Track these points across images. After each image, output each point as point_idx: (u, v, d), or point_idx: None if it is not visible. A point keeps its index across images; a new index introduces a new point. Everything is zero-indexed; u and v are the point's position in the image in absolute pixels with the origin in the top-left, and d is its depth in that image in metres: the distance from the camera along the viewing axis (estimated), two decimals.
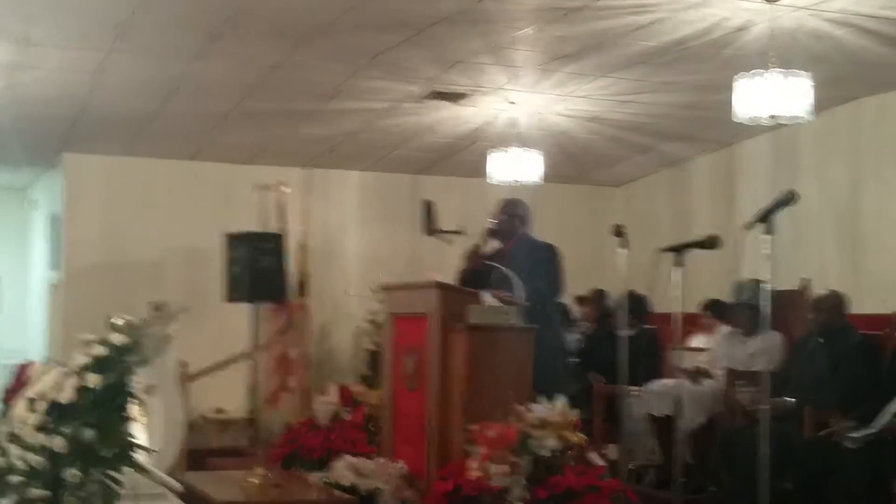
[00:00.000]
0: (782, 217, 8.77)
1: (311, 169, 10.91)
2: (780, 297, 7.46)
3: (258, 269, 9.88)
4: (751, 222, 4.77)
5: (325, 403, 7.00)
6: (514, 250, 7.10)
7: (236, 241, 10.04)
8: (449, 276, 7.33)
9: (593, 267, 9.50)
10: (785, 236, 8.99)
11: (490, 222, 7.26)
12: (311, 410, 7.39)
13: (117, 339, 4.19)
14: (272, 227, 10.52)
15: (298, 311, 9.69)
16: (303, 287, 10.43)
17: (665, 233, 5.75)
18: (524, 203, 7.39)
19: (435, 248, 11.16)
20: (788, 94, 6.33)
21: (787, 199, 4.79)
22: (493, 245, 7.26)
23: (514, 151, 8.79)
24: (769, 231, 4.68)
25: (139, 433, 4.34)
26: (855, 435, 5.98)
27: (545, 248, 7.15)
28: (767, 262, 4.70)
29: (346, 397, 7.02)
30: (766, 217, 4.71)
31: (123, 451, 4.02)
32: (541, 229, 7.44)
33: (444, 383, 6.07)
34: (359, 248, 11.08)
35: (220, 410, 10.30)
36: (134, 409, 4.22)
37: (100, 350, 4.14)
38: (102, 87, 7.99)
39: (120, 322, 4.28)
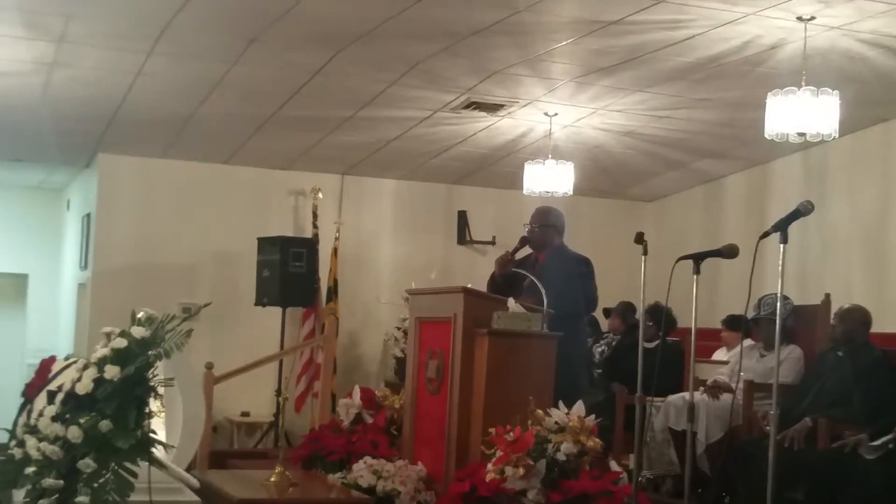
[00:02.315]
0: (810, 234, 8.81)
1: (346, 176, 10.95)
2: (802, 312, 7.48)
3: (289, 273, 9.98)
4: (767, 232, 4.75)
5: (348, 406, 7.00)
6: (549, 261, 7.08)
7: (268, 245, 10.14)
8: (481, 284, 7.35)
9: (623, 280, 9.47)
10: (813, 253, 9.01)
11: (525, 230, 7.24)
12: (335, 414, 7.38)
13: (138, 332, 4.22)
14: (305, 233, 10.60)
15: (328, 317, 9.71)
16: (333, 293, 10.48)
17: (695, 248, 5.72)
18: (560, 212, 7.37)
19: (468, 258, 11.28)
20: (817, 113, 6.34)
21: (804, 210, 4.75)
22: (525, 252, 7.24)
23: (549, 164, 8.79)
24: (783, 240, 4.65)
25: (158, 427, 4.36)
26: (874, 444, 5.94)
27: (581, 261, 7.14)
28: (781, 273, 4.64)
29: (370, 400, 7.01)
30: (781, 227, 4.68)
31: (140, 443, 4.03)
32: (572, 242, 7.43)
33: (465, 387, 6.07)
34: (391, 257, 11.10)
35: (245, 414, 10.34)
36: (153, 404, 4.24)
37: (120, 342, 4.17)
38: (140, 88, 8.05)
39: (142, 316, 4.31)
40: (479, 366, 6.07)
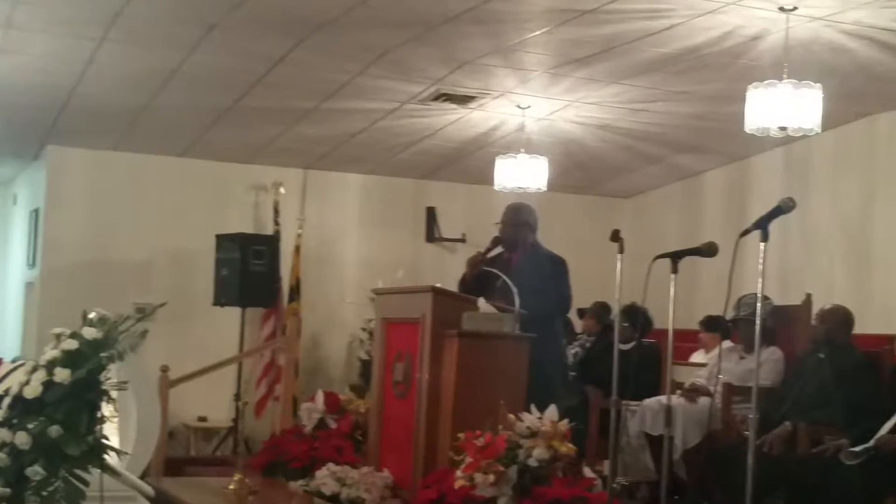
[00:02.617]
0: (792, 232, 8.87)
1: (309, 170, 10.94)
2: (782, 313, 7.54)
3: (249, 272, 9.96)
4: (747, 230, 4.77)
5: (311, 411, 6.99)
6: (522, 261, 7.08)
7: (227, 242, 10.10)
8: (451, 284, 7.35)
9: (598, 280, 9.50)
10: (794, 251, 9.07)
11: (497, 230, 7.25)
12: (297, 418, 7.38)
13: (90, 333, 4.18)
14: (266, 230, 10.57)
15: (290, 318, 9.69)
16: (296, 293, 10.46)
17: (673, 247, 5.74)
18: (533, 209, 7.37)
19: (437, 256, 11.28)
20: (799, 106, 6.37)
21: (785, 207, 4.78)
22: (497, 252, 7.25)
23: (522, 159, 8.80)
24: (764, 238, 4.68)
25: (110, 433, 4.33)
26: (855, 450, 5.99)
27: (555, 260, 7.14)
28: (762, 273, 4.68)
29: (334, 404, 7.00)
30: (762, 225, 4.70)
31: (92, 450, 4.00)
32: (546, 240, 7.43)
33: (433, 391, 6.07)
34: (357, 255, 11.11)
35: (202, 419, 10.30)
36: (106, 408, 4.21)
37: (71, 344, 4.13)
38: (91, 76, 7.99)
39: (94, 316, 4.27)
40: (448, 369, 6.07)
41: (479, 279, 7.01)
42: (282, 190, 10.58)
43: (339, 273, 11.03)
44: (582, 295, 8.07)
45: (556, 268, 7.09)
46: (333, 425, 6.91)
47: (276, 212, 10.54)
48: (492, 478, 5.38)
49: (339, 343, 10.95)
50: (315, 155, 10.47)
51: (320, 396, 7.08)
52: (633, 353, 7.48)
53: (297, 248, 10.56)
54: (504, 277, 6.59)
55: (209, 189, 10.62)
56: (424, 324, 6.18)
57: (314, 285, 10.77)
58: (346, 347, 10.94)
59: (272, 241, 10.28)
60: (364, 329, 10.40)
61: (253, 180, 10.74)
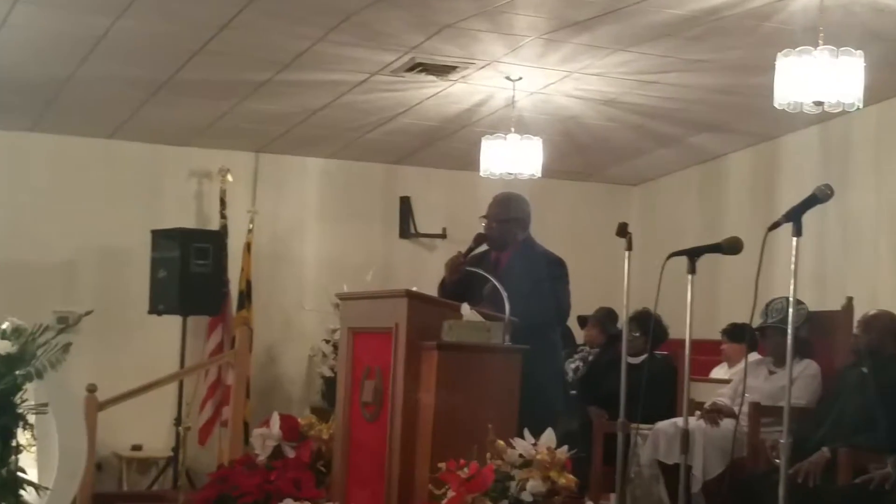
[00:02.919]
0: (830, 225, 8.89)
1: (262, 154, 10.95)
2: (819, 319, 7.57)
3: (191, 274, 9.94)
4: (777, 222, 4.79)
5: (265, 437, 6.98)
6: (512, 261, 7.10)
7: (165, 239, 10.09)
8: (430, 287, 7.36)
9: (602, 282, 9.55)
10: (832, 248, 9.10)
11: (482, 225, 7.25)
12: (248, 446, 7.38)
13: (2, 346, 4.18)
14: (211, 224, 10.56)
15: (239, 328, 9.68)
16: (246, 298, 10.45)
17: (690, 243, 5.78)
18: (524, 200, 7.37)
19: (413, 255, 11.29)
20: (837, 78, 6.37)
21: (821, 196, 4.80)
22: (482, 250, 7.26)
23: (513, 139, 8.81)
24: (797, 233, 4.69)
25: (28, 464, 4.32)
26: None
27: (552, 261, 7.15)
28: (794, 273, 4.70)
29: (291, 429, 7.00)
30: (794, 216, 4.72)
31: (6, 484, 4.00)
32: (541, 236, 7.44)
33: (409, 413, 6.09)
34: (319, 253, 11.14)
35: (136, 447, 10.28)
36: (21, 435, 4.21)
37: None
38: (2, 43, 7.96)
39: (7, 326, 4.27)
40: (426, 386, 6.09)
41: (461, 285, 7.01)
42: (229, 177, 10.58)
43: (297, 275, 11.04)
44: (583, 300, 8.09)
45: (554, 269, 7.10)
46: (291, 454, 6.91)
47: (223, 203, 10.54)
48: None
49: (298, 357, 10.97)
50: (268, 136, 10.46)
51: (276, 420, 7.07)
52: (643, 368, 7.51)
53: (248, 246, 10.57)
54: (493, 280, 6.61)
55: (143, 176, 10.61)
56: (398, 334, 6.19)
57: (268, 289, 10.79)
58: (305, 362, 10.96)
59: (218, 238, 10.27)
60: (327, 341, 10.43)
61: (195, 166, 10.74)
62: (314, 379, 10.82)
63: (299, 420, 7.21)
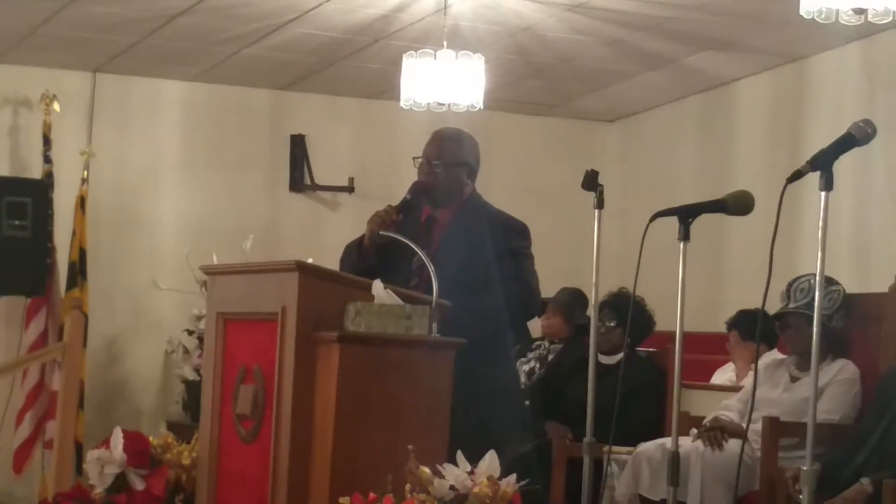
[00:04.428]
0: (874, 176, 8.96)
1: (100, 74, 10.95)
2: (860, 305, 7.60)
3: (3, 239, 9.88)
4: (799, 171, 4.80)
5: (104, 462, 6.96)
6: (456, 226, 7.03)
7: None
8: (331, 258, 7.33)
9: (567, 252, 9.58)
10: (875, 209, 9.17)
11: (418, 168, 7.17)
12: (81, 476, 7.36)
13: None
14: (30, 171, 10.49)
15: (70, 313, 9.62)
16: (80, 273, 10.41)
17: (685, 199, 5.78)
18: (474, 141, 7.32)
19: (308, 214, 11.26)
20: None
21: (860, 136, 4.82)
22: (409, 208, 7.19)
23: (445, 58, 8.80)
24: (826, 187, 4.71)
25: None
26: None
27: (514, 230, 7.05)
28: (821, 241, 4.73)
29: (140, 452, 6.98)
30: (823, 164, 4.73)
31: None
32: (484, 190, 7.40)
33: (301, 430, 6.05)
34: (178, 212, 11.20)
35: None
36: None
37: None
38: None
39: None
40: (324, 394, 6.07)
41: (382, 253, 6.96)
42: (55, 106, 10.50)
43: (149, 242, 11.10)
44: (542, 279, 8.07)
45: (516, 240, 7.05)
46: (140, 486, 6.89)
47: (47, 142, 10.46)
48: None
49: (151, 354, 11.03)
50: (109, 51, 10.44)
51: (119, 440, 7.05)
52: (620, 370, 7.53)
53: (82, 202, 10.55)
54: (419, 251, 6.57)
55: None
56: (285, 321, 6.17)
57: (110, 261, 10.82)
58: (160, 361, 11.02)
59: (40, 190, 10.22)
60: (190, 332, 10.48)
61: (7, 90, 10.67)
62: (172, 384, 10.87)
63: (151, 439, 7.19)
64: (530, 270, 7.01)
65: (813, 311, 4.96)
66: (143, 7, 9.40)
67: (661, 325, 8.49)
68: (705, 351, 8.83)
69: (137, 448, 7.07)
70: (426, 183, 7.04)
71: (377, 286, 6.21)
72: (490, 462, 5.70)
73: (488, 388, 6.69)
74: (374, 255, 6.91)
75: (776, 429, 7.22)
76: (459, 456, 5.74)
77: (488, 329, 6.67)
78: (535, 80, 10.65)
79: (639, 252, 5.43)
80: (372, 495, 5.63)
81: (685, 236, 5.45)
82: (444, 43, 8.88)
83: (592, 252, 5.93)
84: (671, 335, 5.94)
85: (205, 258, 8.80)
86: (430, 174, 7.05)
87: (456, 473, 5.65)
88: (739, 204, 5.49)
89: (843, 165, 4.97)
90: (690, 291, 5.44)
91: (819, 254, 4.85)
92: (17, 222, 9.96)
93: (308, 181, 11.42)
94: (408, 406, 6.09)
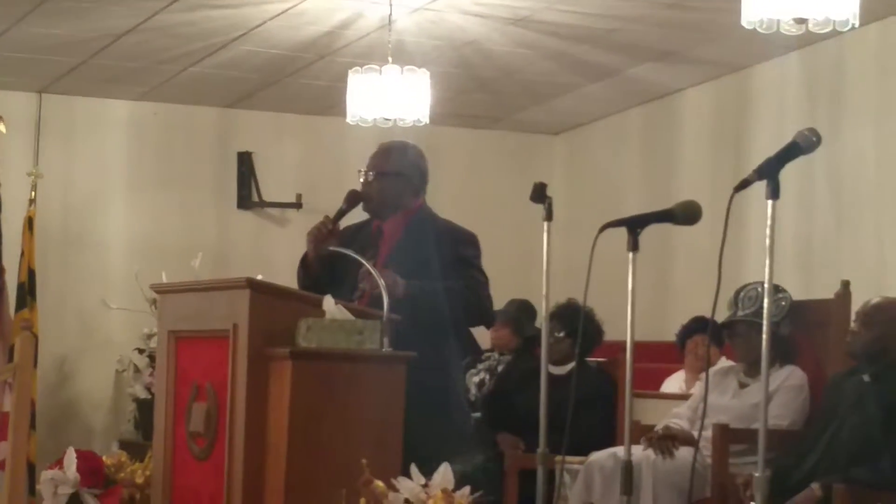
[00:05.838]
0: (817, 183, 8.98)
1: (46, 95, 10.95)
2: (806, 312, 7.63)
3: None
4: (746, 180, 4.83)
5: (57, 483, 6.94)
6: (407, 237, 7.04)
7: None
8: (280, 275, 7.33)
9: (514, 264, 9.59)
10: (820, 215, 9.20)
11: (360, 179, 7.17)
12: (34, 497, 7.33)
13: None
14: None
15: (20, 334, 9.57)
16: (28, 293, 10.36)
17: (632, 210, 5.80)
18: (423, 156, 7.28)
19: (256, 231, 11.24)
20: None
21: (805, 145, 4.85)
22: (363, 221, 7.20)
23: (390, 73, 8.80)
24: (773, 195, 4.74)
25: None
26: None
27: (463, 241, 7.08)
28: (769, 249, 4.76)
29: (93, 472, 6.97)
30: (769, 172, 4.76)
31: None
32: (432, 202, 7.41)
33: (253, 447, 6.08)
34: (127, 231, 11.20)
35: None
36: None
37: None
38: None
39: None
40: (277, 410, 6.09)
41: (328, 265, 6.97)
42: (1, 128, 10.44)
43: (99, 261, 11.08)
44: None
45: (466, 250, 7.05)
46: None
47: None
48: None
49: (102, 374, 11.01)
50: (55, 70, 10.43)
51: (72, 460, 7.03)
52: (571, 380, 7.53)
53: (30, 222, 10.51)
54: (365, 263, 6.58)
55: None
56: (237, 339, 6.18)
57: (59, 281, 10.80)
58: (112, 381, 11.00)
59: None
60: (141, 350, 10.45)
61: None
62: (124, 403, 10.85)
63: (104, 459, 7.17)
64: (480, 280, 7.02)
65: (761, 319, 4.99)
66: (88, 27, 9.39)
67: (610, 336, 8.52)
68: (653, 360, 8.85)
69: (91, 467, 7.06)
70: (360, 192, 7.10)
71: (328, 302, 6.23)
72: (444, 474, 5.71)
73: (437, 398, 6.72)
74: (318, 269, 6.95)
75: (726, 435, 7.26)
76: (413, 469, 5.75)
77: (435, 332, 6.71)
78: (480, 93, 10.67)
79: (588, 263, 5.43)
80: None
81: (634, 246, 5.46)
82: (389, 58, 8.88)
83: (540, 264, 5.93)
84: (620, 345, 5.96)
85: (154, 277, 8.80)
86: (364, 184, 7.11)
87: (410, 486, 5.66)
88: (687, 214, 5.52)
89: (787, 173, 4.97)
90: (638, 301, 5.45)
91: (767, 261, 4.87)
92: None
93: (256, 198, 11.42)
94: (361, 420, 6.12)
